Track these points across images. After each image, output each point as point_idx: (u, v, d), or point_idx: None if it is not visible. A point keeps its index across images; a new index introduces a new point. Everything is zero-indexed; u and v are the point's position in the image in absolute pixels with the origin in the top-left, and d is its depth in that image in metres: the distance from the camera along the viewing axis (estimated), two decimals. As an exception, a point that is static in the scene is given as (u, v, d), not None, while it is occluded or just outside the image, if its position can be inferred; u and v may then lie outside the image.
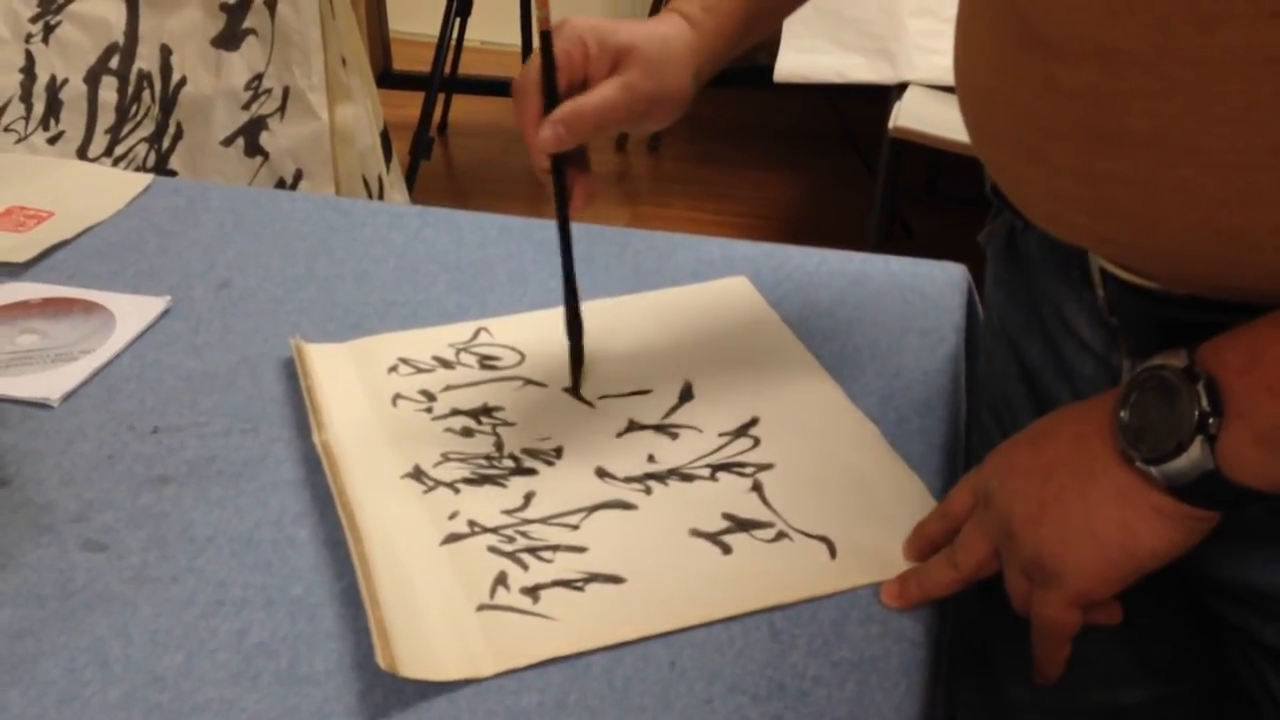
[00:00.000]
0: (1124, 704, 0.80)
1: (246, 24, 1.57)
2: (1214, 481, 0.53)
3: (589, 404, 0.78)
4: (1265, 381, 0.51)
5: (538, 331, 0.85)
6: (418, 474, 0.72)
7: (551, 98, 0.69)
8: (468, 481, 0.71)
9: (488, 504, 0.70)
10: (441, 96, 2.82)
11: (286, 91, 1.58)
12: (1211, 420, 0.52)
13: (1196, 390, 0.53)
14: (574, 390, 0.79)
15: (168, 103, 1.59)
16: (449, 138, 3.08)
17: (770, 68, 2.13)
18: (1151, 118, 0.53)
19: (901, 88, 2.07)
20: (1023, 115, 0.60)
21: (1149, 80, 0.53)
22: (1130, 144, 0.55)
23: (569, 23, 0.70)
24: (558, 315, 0.87)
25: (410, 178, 2.51)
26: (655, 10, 2.91)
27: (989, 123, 0.65)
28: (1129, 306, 0.63)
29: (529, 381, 0.80)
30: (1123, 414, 0.56)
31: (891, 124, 2.00)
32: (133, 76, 1.59)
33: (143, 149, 1.60)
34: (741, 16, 0.75)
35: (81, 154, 1.58)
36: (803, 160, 2.99)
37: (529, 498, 0.70)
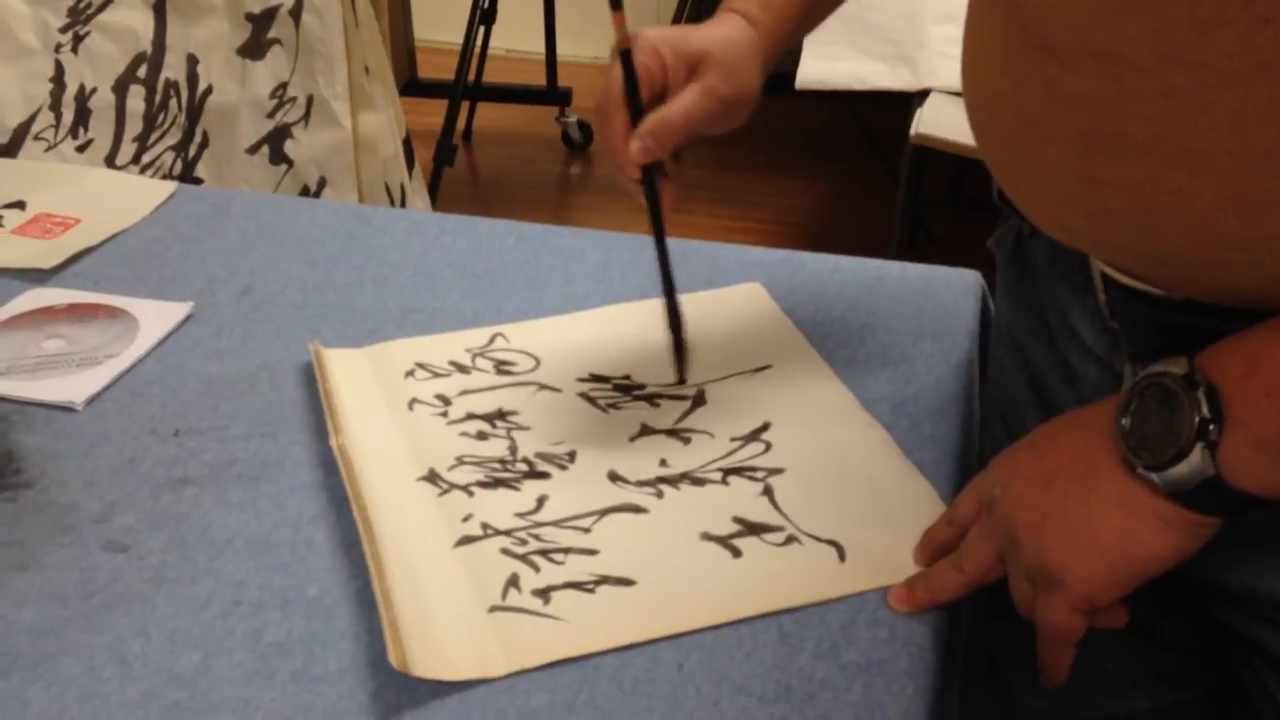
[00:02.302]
0: (1134, 711, 0.80)
1: (271, 34, 1.59)
2: (1215, 488, 0.53)
3: (603, 409, 0.79)
4: (1264, 388, 0.52)
5: (553, 337, 0.86)
6: (432, 477, 0.73)
7: (636, 111, 0.72)
8: (481, 485, 0.72)
9: (501, 507, 0.71)
10: (466, 104, 2.84)
11: (310, 100, 1.59)
12: (1212, 427, 0.52)
13: (1197, 397, 0.53)
14: (680, 381, 0.81)
15: (194, 111, 1.61)
16: (473, 145, 3.10)
17: (792, 75, 2.13)
18: (1149, 122, 0.54)
19: (923, 94, 2.07)
20: (1025, 119, 0.61)
21: (1146, 84, 0.53)
22: (1128, 148, 0.55)
23: (642, 35, 0.72)
24: (573, 320, 0.89)
25: (434, 185, 2.52)
26: (683, 4, 2.92)
27: (993, 127, 0.65)
28: (1129, 311, 0.63)
29: (544, 386, 0.81)
30: (1124, 421, 0.56)
31: (913, 130, 2.00)
32: (160, 85, 1.61)
33: (169, 157, 1.62)
34: (796, 12, 0.77)
35: (109, 162, 1.60)
36: (825, 167, 2.99)
37: (542, 501, 0.71)
